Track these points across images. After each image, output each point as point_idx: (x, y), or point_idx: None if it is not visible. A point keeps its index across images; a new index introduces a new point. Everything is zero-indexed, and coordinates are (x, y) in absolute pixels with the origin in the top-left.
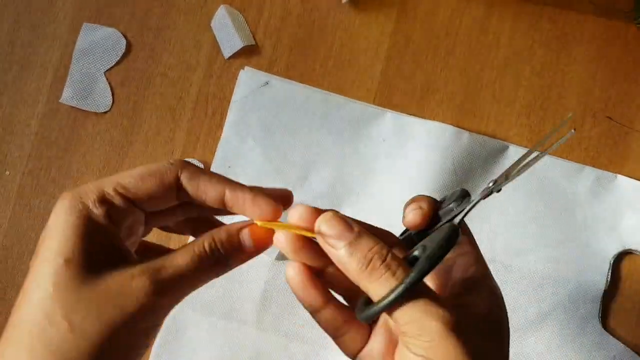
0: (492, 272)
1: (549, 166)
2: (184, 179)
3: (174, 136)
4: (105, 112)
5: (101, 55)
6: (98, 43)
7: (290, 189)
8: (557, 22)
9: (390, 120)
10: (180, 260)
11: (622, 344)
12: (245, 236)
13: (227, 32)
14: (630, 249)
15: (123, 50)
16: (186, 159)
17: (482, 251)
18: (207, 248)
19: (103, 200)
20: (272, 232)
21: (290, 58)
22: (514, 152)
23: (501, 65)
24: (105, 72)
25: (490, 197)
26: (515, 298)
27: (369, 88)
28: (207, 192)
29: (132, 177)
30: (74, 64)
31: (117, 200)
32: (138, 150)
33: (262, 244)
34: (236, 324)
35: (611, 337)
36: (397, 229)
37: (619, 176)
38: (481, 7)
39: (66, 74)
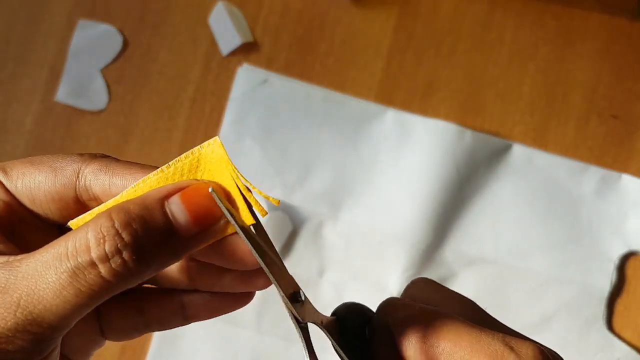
0: (495, 274)
1: (553, 165)
2: (89, 175)
3: (171, 135)
4: (101, 111)
5: (97, 52)
6: (94, 40)
7: (289, 188)
8: (562, 19)
9: (391, 118)
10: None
11: (627, 346)
12: (176, 207)
13: (225, 28)
14: (636, 250)
15: (119, 48)
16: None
17: (485, 252)
18: (94, 249)
19: None
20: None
21: (290, 55)
22: (518, 151)
23: (505, 63)
24: (101, 70)
25: (493, 197)
26: (518, 299)
27: (370, 86)
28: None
29: (21, 163)
30: (69, 62)
31: None
32: (135, 149)
33: (206, 217)
34: (234, 326)
35: (616, 338)
36: (398, 229)
37: (624, 175)
38: (484, 3)
39: (61, 72)
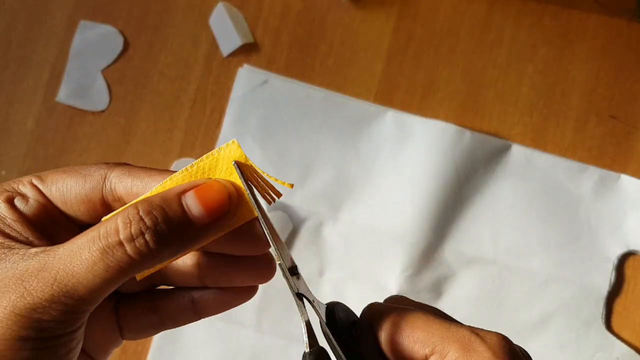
0: (494, 274)
1: (552, 166)
2: (114, 179)
3: (172, 135)
4: (102, 111)
5: (98, 53)
6: (95, 41)
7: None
8: (560, 20)
9: (391, 119)
10: (74, 267)
11: (626, 345)
12: (191, 200)
13: (226, 29)
14: (634, 250)
15: (120, 49)
16: (180, 159)
17: (485, 252)
18: (122, 231)
19: (13, 190)
20: (227, 188)
21: (290, 56)
22: (517, 151)
23: (504, 64)
24: (102, 71)
25: (492, 197)
26: (518, 299)
27: (369, 86)
28: (145, 189)
29: (55, 171)
30: (70, 62)
31: (30, 192)
32: (135, 150)
33: (217, 208)
34: (235, 326)
35: (615, 338)
36: (398, 229)
37: (623, 176)
38: (483, 5)
39: (63, 73)
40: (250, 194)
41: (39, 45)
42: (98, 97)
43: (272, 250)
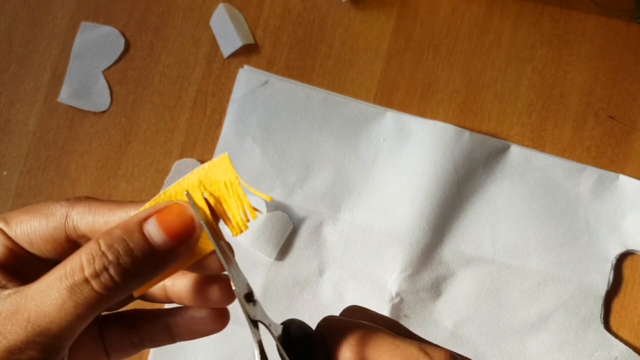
0: (493, 273)
1: (551, 166)
2: (76, 216)
3: (172, 136)
4: (104, 112)
5: (99, 54)
6: (96, 42)
7: (289, 188)
8: (559, 21)
9: (390, 119)
10: (44, 305)
11: (624, 345)
12: (152, 227)
13: (226, 30)
14: (633, 250)
15: (121, 49)
16: (181, 159)
17: (483, 252)
18: (86, 268)
19: None
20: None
21: (290, 57)
22: (515, 152)
23: (502, 65)
24: (103, 71)
25: (491, 197)
26: (516, 299)
27: (369, 87)
28: (106, 225)
29: (19, 212)
30: (72, 63)
31: None
32: (136, 150)
33: (180, 232)
34: (235, 325)
35: (613, 338)
36: (397, 229)
37: (621, 176)
38: (482, 6)
39: (64, 73)
40: (206, 227)
41: (40, 45)
42: (99, 98)
43: (228, 275)
